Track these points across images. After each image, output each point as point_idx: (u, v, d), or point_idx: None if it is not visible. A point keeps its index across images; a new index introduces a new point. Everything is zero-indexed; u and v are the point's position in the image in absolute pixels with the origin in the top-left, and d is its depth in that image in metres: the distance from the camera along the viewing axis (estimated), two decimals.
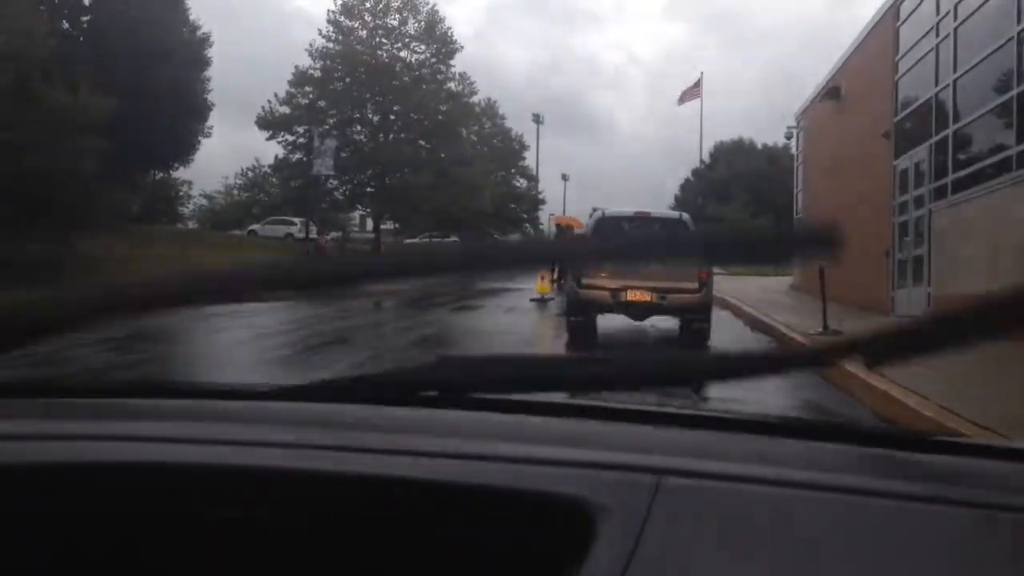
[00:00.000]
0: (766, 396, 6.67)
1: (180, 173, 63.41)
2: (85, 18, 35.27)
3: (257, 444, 0.94)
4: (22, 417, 1.03)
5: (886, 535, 0.76)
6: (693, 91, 69.19)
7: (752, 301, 18.55)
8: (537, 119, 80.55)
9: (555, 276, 19.96)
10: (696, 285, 12.17)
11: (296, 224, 50.68)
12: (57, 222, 25.66)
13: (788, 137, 37.92)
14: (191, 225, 68.16)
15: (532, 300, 19.84)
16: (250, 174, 57.80)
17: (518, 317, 17.32)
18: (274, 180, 44.41)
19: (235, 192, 69.08)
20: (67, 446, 0.95)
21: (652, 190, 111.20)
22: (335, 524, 0.92)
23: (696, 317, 12.39)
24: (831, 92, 21.15)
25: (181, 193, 70.34)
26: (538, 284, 20.59)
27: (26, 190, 25.06)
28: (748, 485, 0.82)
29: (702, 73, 73.66)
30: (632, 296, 12.20)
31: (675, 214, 15.05)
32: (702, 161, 72.04)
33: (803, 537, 0.76)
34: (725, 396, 5.35)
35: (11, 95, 25.65)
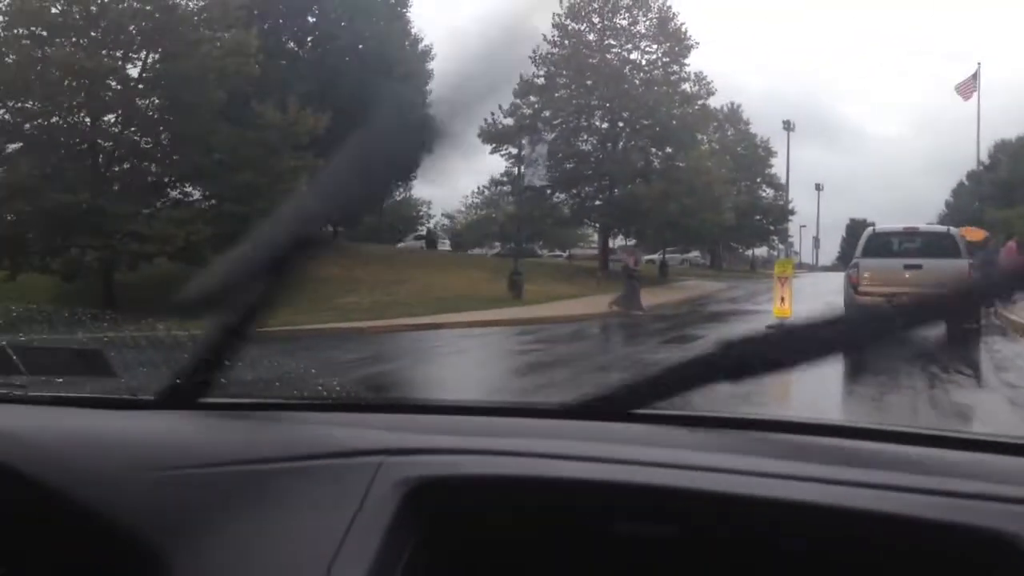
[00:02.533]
0: None
1: (419, 192, 64.35)
2: (310, 37, 35.36)
3: (647, 464, 1.00)
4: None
5: None
6: (969, 84, 61.59)
7: None
8: (787, 125, 75.41)
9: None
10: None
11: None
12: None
13: None
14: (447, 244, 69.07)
15: (769, 328, 16.27)
16: (485, 191, 57.17)
17: None
18: (511, 196, 42.61)
19: (474, 210, 69.08)
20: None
21: (914, 199, 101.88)
22: (737, 546, 0.96)
23: (966, 320, 12.27)
24: None
25: (421, 212, 71.94)
26: (776, 307, 16.94)
27: (241, 210, 24.51)
28: None
29: (979, 64, 65.49)
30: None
31: (943, 228, 16.63)
32: (980, 163, 64.10)
33: None
34: None
35: (222, 114, 25.38)
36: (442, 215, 77.53)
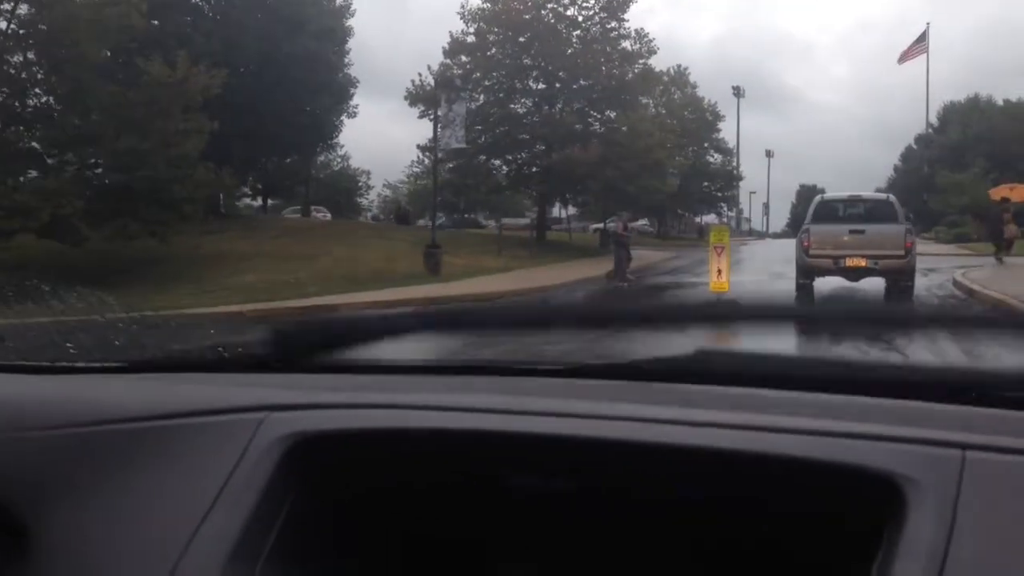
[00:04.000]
0: None
1: (358, 162, 61.25)
2: None
3: (545, 414, 0.99)
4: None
5: None
6: (917, 48, 60.23)
7: None
8: (737, 91, 73.58)
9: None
10: (902, 252, 15.01)
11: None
12: (159, 214, 22.26)
13: None
14: (380, 218, 66.27)
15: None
16: (426, 160, 54.40)
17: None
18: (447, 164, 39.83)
19: (416, 180, 66.29)
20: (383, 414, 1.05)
21: (861, 165, 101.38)
22: (639, 495, 0.98)
23: (902, 279, 15.08)
24: None
25: (360, 183, 69.10)
26: (713, 280, 14.90)
27: (123, 179, 21.83)
28: None
29: (928, 24, 64.35)
30: (850, 262, 14.98)
31: (883, 196, 18.22)
32: (929, 125, 63.07)
33: None
34: None
35: (103, 72, 22.59)
36: (384, 186, 74.97)
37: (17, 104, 22.49)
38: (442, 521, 1.06)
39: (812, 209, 16.53)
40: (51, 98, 22.50)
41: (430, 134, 35.13)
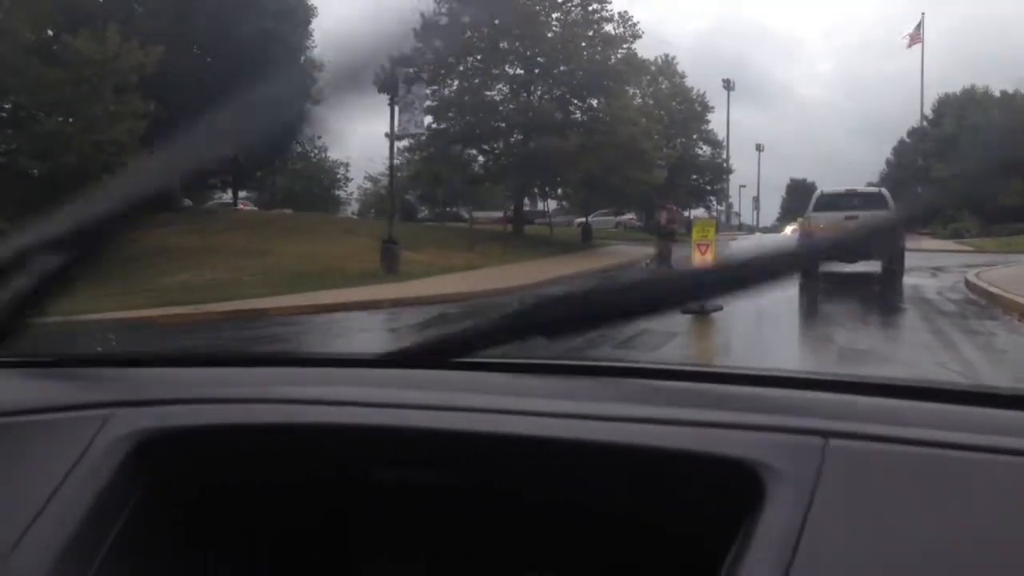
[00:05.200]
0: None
1: (336, 154, 59.07)
2: None
3: (408, 406, 0.98)
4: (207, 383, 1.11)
5: None
6: (917, 34, 58.53)
7: None
8: (727, 84, 71.67)
9: None
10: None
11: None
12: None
13: None
14: (350, 213, 64.06)
15: (687, 311, 12.35)
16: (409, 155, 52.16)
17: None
18: (417, 153, 37.48)
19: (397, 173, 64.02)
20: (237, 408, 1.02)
21: (849, 160, 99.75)
22: (503, 488, 0.97)
23: (893, 263, 16.66)
24: None
25: (338, 175, 66.85)
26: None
27: (49, 167, 19.65)
28: (913, 447, 0.83)
29: (923, 14, 62.45)
30: None
31: (875, 190, 21.12)
32: (924, 118, 61.40)
33: (968, 500, 0.76)
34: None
35: (28, 49, 20.40)
36: (365, 178, 72.70)
37: None
38: (305, 517, 1.05)
39: (813, 201, 19.73)
40: None
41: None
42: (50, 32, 20.85)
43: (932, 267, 20.60)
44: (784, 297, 13.10)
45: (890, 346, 10.47)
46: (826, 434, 0.85)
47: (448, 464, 0.97)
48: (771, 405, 0.94)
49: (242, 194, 57.13)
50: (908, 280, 17.19)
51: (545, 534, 1.00)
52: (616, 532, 0.96)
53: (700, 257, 12.88)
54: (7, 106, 20.18)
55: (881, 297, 15.93)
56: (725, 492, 0.84)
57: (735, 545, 0.79)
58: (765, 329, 12.09)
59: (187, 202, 38.09)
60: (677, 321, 11.29)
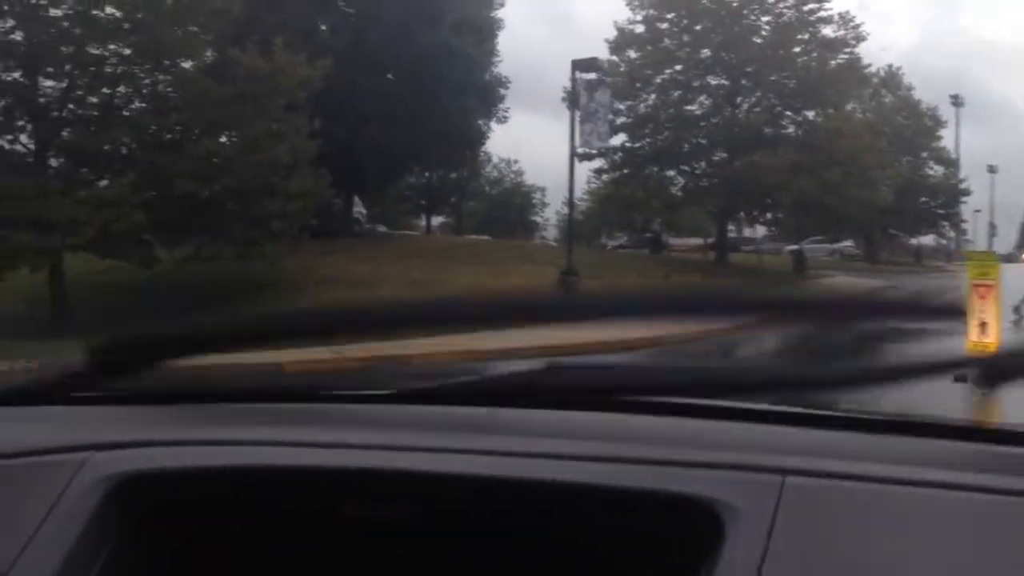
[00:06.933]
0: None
1: (533, 178, 57.32)
2: None
3: (385, 448, 0.98)
4: (185, 424, 1.10)
5: (1019, 535, 0.76)
6: None
7: None
8: (956, 100, 64.62)
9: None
10: None
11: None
12: (245, 231, 18.69)
13: None
14: (545, 238, 62.27)
15: (957, 380, 8.79)
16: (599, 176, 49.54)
17: None
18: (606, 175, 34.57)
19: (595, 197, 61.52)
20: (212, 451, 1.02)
21: None
22: (471, 525, 0.97)
23: None
24: None
25: (534, 201, 65.26)
26: (973, 336, 9.23)
27: (208, 190, 18.42)
28: (872, 484, 0.84)
29: None
30: None
31: None
32: None
33: (922, 535, 0.78)
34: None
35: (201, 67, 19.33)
36: (563, 203, 70.83)
37: (98, 99, 19.49)
38: (282, 558, 1.04)
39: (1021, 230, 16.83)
40: (133, 93, 19.39)
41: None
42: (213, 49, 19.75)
43: None
44: None
45: None
46: (784, 471, 0.85)
47: (407, 504, 0.97)
48: (731, 441, 0.95)
49: (439, 219, 56.77)
50: None
51: (509, 574, 0.98)
52: (579, 572, 0.95)
53: (979, 304, 9.20)
54: (177, 127, 19.08)
55: None
56: (686, 531, 0.84)
57: None
58: None
59: (380, 228, 37.39)
60: None
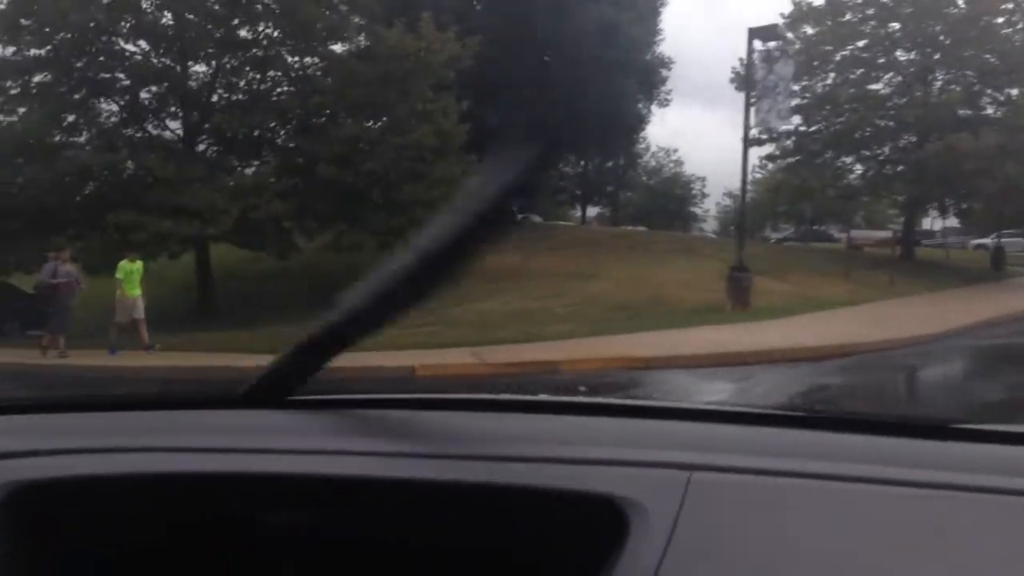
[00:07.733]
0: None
1: (692, 167, 54.87)
2: None
3: (267, 451, 0.97)
4: (83, 432, 1.06)
5: (913, 524, 0.78)
6: None
7: None
8: None
9: None
10: None
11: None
12: (387, 220, 17.66)
13: None
14: (703, 230, 59.53)
15: None
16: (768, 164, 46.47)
17: None
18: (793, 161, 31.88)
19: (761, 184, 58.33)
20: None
21: None
22: (363, 527, 0.96)
23: None
24: None
25: (694, 191, 62.55)
26: None
27: (350, 175, 17.50)
28: (776, 478, 0.84)
29: None
30: None
31: None
32: None
33: (835, 527, 0.78)
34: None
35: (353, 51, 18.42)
36: (724, 194, 67.70)
37: (246, 84, 18.94)
38: (186, 564, 1.02)
39: None
40: (281, 76, 18.73)
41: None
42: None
43: None
44: None
45: None
46: (690, 467, 0.86)
47: (298, 508, 0.95)
48: (637, 439, 0.95)
49: (595, 210, 55.13)
50: None
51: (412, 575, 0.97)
52: (482, 572, 0.94)
53: None
54: (323, 111, 18.27)
55: None
56: (591, 528, 0.84)
57: None
58: None
59: (535, 218, 36.15)
60: None
